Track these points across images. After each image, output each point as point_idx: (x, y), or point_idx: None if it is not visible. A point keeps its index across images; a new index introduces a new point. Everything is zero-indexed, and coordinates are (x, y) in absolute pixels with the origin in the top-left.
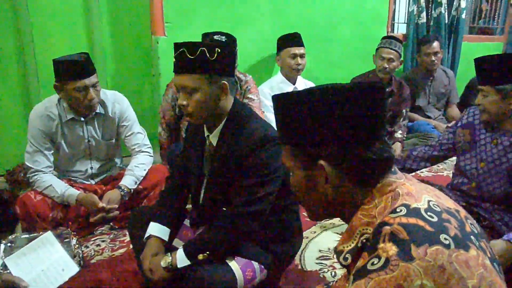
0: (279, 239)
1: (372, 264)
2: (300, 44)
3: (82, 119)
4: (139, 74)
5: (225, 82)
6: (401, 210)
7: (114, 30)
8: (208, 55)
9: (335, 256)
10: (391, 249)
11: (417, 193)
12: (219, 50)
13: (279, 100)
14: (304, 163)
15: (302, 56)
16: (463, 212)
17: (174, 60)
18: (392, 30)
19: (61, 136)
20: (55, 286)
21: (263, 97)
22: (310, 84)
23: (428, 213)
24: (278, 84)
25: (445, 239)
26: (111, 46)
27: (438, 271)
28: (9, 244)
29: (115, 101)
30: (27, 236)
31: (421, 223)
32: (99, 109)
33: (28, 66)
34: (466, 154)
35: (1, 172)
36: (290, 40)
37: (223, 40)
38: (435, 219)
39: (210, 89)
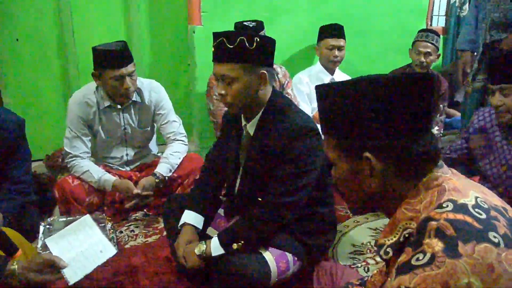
0: (313, 231)
1: (417, 259)
2: (339, 36)
3: (119, 106)
4: (175, 63)
5: (264, 72)
6: (447, 206)
7: (152, 19)
8: (247, 45)
9: (375, 249)
10: (437, 245)
11: (464, 188)
12: (258, 40)
13: (324, 90)
14: (349, 155)
15: (340, 48)
16: (511, 211)
17: (213, 49)
18: (431, 23)
19: (98, 123)
20: (93, 266)
21: (299, 85)
22: (346, 78)
23: (476, 210)
24: (316, 73)
25: (494, 237)
26: (148, 36)
27: (486, 270)
28: (47, 226)
29: (152, 90)
30: (64, 219)
31: (468, 219)
32: (135, 97)
33: (68, 54)
34: (485, 159)
35: (41, 157)
36: (329, 31)
37: (251, 26)
38: (483, 216)
39: (249, 79)
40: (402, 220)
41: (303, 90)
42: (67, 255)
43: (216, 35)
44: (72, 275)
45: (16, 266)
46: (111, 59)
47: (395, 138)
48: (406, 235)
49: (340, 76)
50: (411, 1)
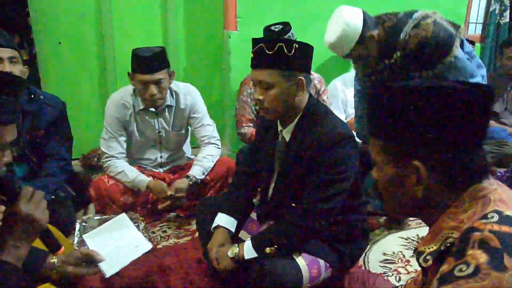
0: (345, 238)
1: (460, 270)
2: None
3: (154, 110)
4: (209, 68)
5: (302, 78)
6: (492, 217)
7: (188, 24)
8: (286, 51)
9: (415, 256)
10: (481, 256)
11: (510, 200)
12: (297, 46)
13: (379, 91)
14: (396, 161)
15: None
16: None
17: (252, 55)
18: (468, 31)
19: (134, 124)
20: (129, 261)
21: (334, 91)
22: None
23: None
24: (352, 78)
25: None
26: (184, 40)
27: None
28: (83, 224)
29: (187, 93)
30: (99, 217)
31: None
32: (170, 101)
33: (106, 57)
34: None
35: (77, 156)
36: None
37: (278, 29)
38: None
39: (286, 85)
40: (444, 229)
41: (338, 97)
42: (104, 251)
43: (255, 41)
44: (109, 268)
45: (55, 260)
46: (140, 64)
47: (449, 150)
48: (448, 245)
49: None
50: (448, 9)
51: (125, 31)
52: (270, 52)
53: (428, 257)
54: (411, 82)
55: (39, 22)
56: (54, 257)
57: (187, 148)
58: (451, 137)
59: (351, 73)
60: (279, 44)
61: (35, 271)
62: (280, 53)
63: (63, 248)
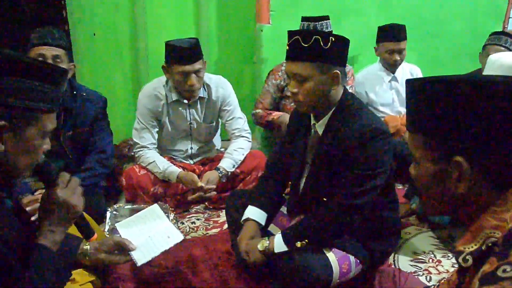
0: (376, 235)
1: (504, 271)
2: (399, 38)
3: (186, 101)
4: (241, 61)
5: (337, 72)
6: None
7: (220, 17)
8: (322, 44)
9: (454, 255)
10: None
11: None
12: (334, 39)
13: (420, 85)
14: (437, 156)
15: (400, 51)
16: None
17: (287, 47)
18: (508, 26)
19: (166, 115)
20: (160, 251)
21: (356, 86)
22: (415, 69)
23: None
24: (376, 71)
25: None
26: (217, 33)
27: None
28: (114, 213)
29: (219, 86)
30: (130, 206)
31: None
32: (202, 93)
33: (139, 49)
34: None
35: None
36: (388, 35)
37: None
38: None
39: (321, 78)
40: (485, 228)
41: (360, 90)
42: (136, 240)
43: (291, 34)
44: (140, 257)
45: (89, 247)
46: (179, 55)
47: (495, 146)
48: (490, 244)
49: (406, 70)
50: (486, 3)
51: (158, 23)
52: (306, 45)
53: (467, 257)
54: (455, 75)
55: (75, 14)
56: (87, 244)
57: (217, 140)
58: (498, 132)
59: (377, 64)
60: (315, 36)
61: (69, 256)
62: (316, 45)
63: (96, 234)
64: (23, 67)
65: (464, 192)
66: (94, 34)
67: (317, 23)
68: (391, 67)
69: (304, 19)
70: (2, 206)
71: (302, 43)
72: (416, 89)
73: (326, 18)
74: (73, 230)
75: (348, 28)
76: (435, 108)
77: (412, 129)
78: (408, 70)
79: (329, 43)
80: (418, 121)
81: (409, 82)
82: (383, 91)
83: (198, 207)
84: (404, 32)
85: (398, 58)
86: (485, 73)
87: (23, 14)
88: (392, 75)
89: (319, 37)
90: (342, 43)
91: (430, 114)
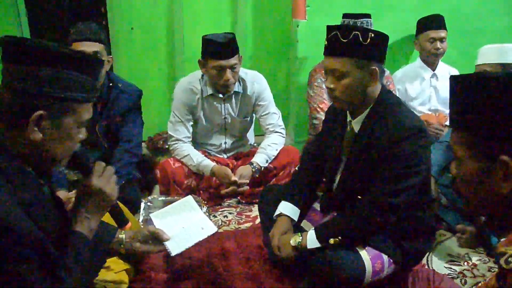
0: (411, 235)
1: None
2: (440, 26)
3: (221, 96)
4: (276, 57)
5: (376, 68)
6: None
7: (256, 12)
8: (361, 39)
9: (495, 257)
10: None
11: None
12: (373, 35)
13: (467, 81)
14: (482, 155)
15: (442, 40)
16: None
17: (325, 42)
18: None
19: (201, 109)
20: (194, 242)
21: (394, 83)
22: (453, 71)
23: None
24: (415, 68)
25: None
26: (252, 28)
27: None
28: (148, 204)
29: (254, 81)
30: (163, 198)
31: None
32: (237, 88)
33: (176, 43)
34: None
35: (144, 139)
36: (429, 23)
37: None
38: None
39: (359, 74)
40: None
41: (398, 88)
42: (170, 230)
43: (330, 28)
44: (175, 247)
45: (124, 235)
46: (215, 50)
47: None
48: None
49: (444, 69)
50: None
51: (194, 17)
52: (345, 40)
53: (510, 259)
54: (504, 72)
55: (114, 8)
56: (123, 233)
57: (251, 135)
58: None
59: (417, 61)
60: (354, 32)
61: (104, 244)
62: (355, 41)
63: (130, 223)
64: (60, 57)
65: (508, 192)
66: (132, 28)
67: (357, 20)
68: (432, 58)
69: (345, 16)
70: (40, 193)
71: (341, 38)
72: (462, 85)
73: (367, 16)
74: (108, 220)
75: (385, 25)
76: (481, 106)
77: (456, 126)
78: (447, 71)
79: (368, 39)
80: (463, 118)
81: (455, 78)
82: (421, 88)
83: (230, 201)
84: (444, 22)
85: (440, 47)
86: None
87: (63, 10)
88: (432, 72)
89: (358, 33)
90: (381, 39)
91: (476, 111)
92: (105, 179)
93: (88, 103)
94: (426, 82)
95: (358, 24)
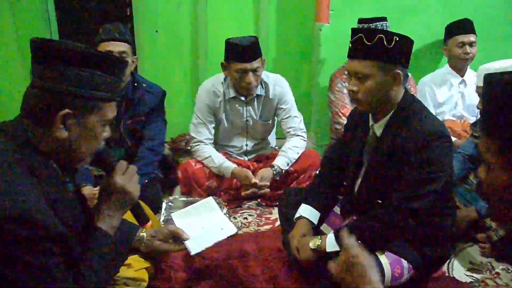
0: (431, 242)
1: None
2: (469, 31)
3: (243, 99)
4: (298, 60)
5: (399, 72)
6: None
7: (280, 15)
8: (385, 43)
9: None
10: None
11: None
12: (397, 39)
13: (500, 84)
14: None
15: (471, 44)
16: None
17: (349, 45)
18: None
19: (223, 112)
20: (214, 241)
21: (421, 87)
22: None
23: None
24: (443, 75)
25: None
26: (275, 31)
27: None
28: (169, 204)
29: (276, 84)
30: (184, 199)
31: None
32: (259, 91)
33: (200, 45)
34: None
35: (166, 139)
36: (457, 27)
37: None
38: None
39: (382, 78)
40: None
41: (426, 94)
42: (190, 230)
43: (354, 31)
44: (194, 246)
45: (145, 234)
46: (238, 53)
47: None
48: None
49: (471, 76)
50: None
51: (218, 20)
52: (369, 43)
53: None
54: None
55: (140, 12)
56: (143, 231)
57: (272, 138)
58: None
59: (444, 68)
60: (379, 35)
61: (126, 241)
62: (380, 44)
63: (151, 221)
64: (86, 58)
65: None
66: (157, 31)
67: (372, 24)
68: (461, 63)
69: (360, 21)
70: (65, 190)
71: (365, 41)
72: (497, 89)
73: (383, 19)
74: (130, 218)
75: (409, 29)
76: None
77: (487, 132)
78: (475, 78)
79: (393, 42)
80: (495, 124)
81: (489, 82)
82: (449, 94)
83: (250, 203)
84: (473, 26)
85: (469, 51)
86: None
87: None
88: (461, 78)
89: (383, 36)
90: (406, 43)
91: (510, 117)
92: (128, 178)
93: (112, 102)
94: (454, 88)
95: (373, 27)
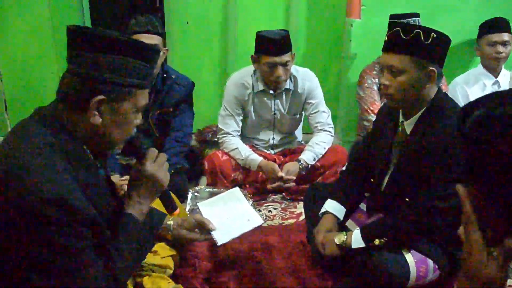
0: (458, 242)
1: None
2: (503, 29)
3: (271, 92)
4: (328, 55)
5: (434, 69)
6: None
7: (310, 10)
8: (423, 38)
9: None
10: None
11: None
12: (435, 35)
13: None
14: None
15: (505, 43)
16: None
17: (386, 38)
18: None
19: (251, 104)
20: (240, 233)
21: (454, 89)
22: None
23: None
24: (476, 75)
25: None
26: (305, 25)
27: None
28: (195, 194)
29: (305, 78)
30: (210, 189)
31: None
32: (288, 85)
33: (229, 37)
34: None
35: (193, 131)
36: (491, 26)
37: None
38: None
39: (416, 74)
40: None
41: (458, 95)
42: (217, 220)
43: (392, 25)
44: (221, 237)
45: (172, 222)
46: (269, 46)
47: None
48: None
49: (506, 76)
50: None
51: (249, 13)
52: (406, 37)
53: None
54: None
55: (171, 3)
56: (170, 220)
57: (299, 132)
58: None
59: (477, 68)
60: (416, 30)
61: (153, 229)
62: (416, 39)
63: (178, 209)
64: (121, 45)
65: None
66: (187, 23)
67: (404, 20)
68: (494, 63)
69: (393, 16)
70: (97, 175)
71: (402, 35)
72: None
73: (416, 15)
74: (157, 206)
75: (442, 27)
76: None
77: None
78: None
79: (430, 39)
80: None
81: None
82: (481, 95)
83: (275, 196)
84: (508, 25)
85: (501, 50)
86: None
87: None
88: (495, 79)
89: (420, 31)
90: (443, 41)
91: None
92: (158, 165)
93: (145, 89)
94: (487, 89)
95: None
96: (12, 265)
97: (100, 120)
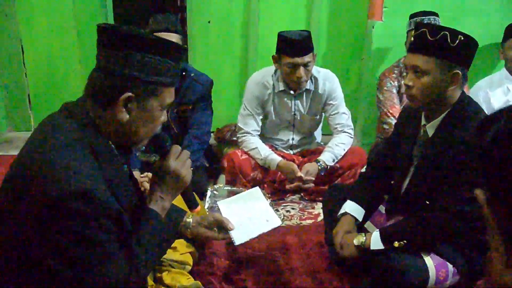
0: (480, 247)
1: None
2: None
3: (292, 92)
4: (349, 56)
5: (458, 72)
6: None
7: (332, 11)
8: (449, 40)
9: None
10: None
11: None
12: (462, 38)
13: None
14: None
15: None
16: None
17: (412, 39)
18: None
19: (271, 104)
20: (258, 233)
21: (476, 93)
22: None
23: None
24: (499, 79)
25: None
26: (327, 26)
27: None
28: (214, 192)
29: (326, 79)
30: (228, 188)
31: None
32: (309, 86)
33: (250, 37)
34: None
35: (212, 129)
36: None
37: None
38: None
39: (441, 75)
40: None
41: (480, 99)
42: (235, 219)
43: (418, 25)
44: (239, 237)
45: (191, 220)
46: (290, 47)
47: None
48: None
49: None
50: None
51: (270, 13)
52: (432, 39)
53: None
54: None
55: (193, 3)
56: (190, 217)
57: (318, 133)
58: None
59: (501, 72)
60: (443, 32)
61: (174, 225)
62: (443, 41)
63: (199, 206)
64: (148, 43)
65: None
66: (209, 22)
67: (425, 17)
68: None
69: (412, 15)
70: (121, 170)
71: (429, 37)
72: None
73: (435, 14)
74: (177, 203)
75: (466, 30)
76: None
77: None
78: None
79: (457, 41)
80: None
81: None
82: (504, 99)
83: (293, 196)
84: None
85: None
86: None
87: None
88: None
89: (448, 33)
90: (470, 44)
91: None
92: (181, 162)
93: (172, 87)
94: (511, 93)
95: (425, 22)
96: (36, 257)
97: (128, 116)
